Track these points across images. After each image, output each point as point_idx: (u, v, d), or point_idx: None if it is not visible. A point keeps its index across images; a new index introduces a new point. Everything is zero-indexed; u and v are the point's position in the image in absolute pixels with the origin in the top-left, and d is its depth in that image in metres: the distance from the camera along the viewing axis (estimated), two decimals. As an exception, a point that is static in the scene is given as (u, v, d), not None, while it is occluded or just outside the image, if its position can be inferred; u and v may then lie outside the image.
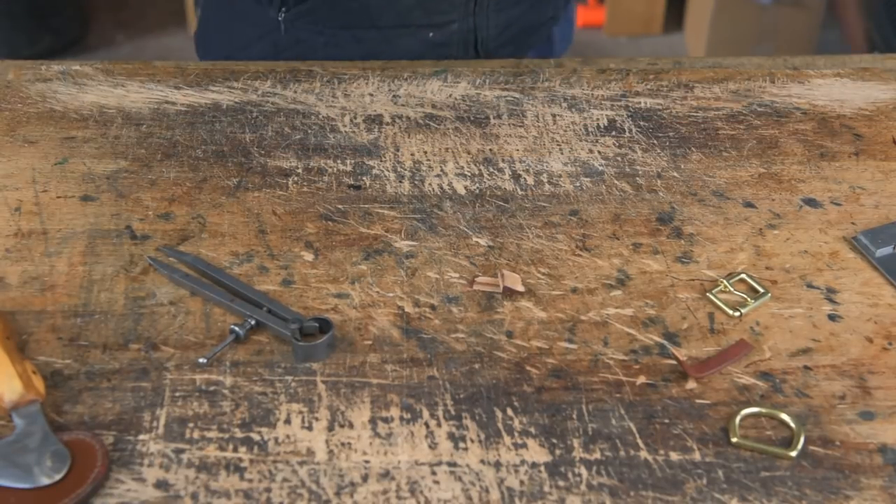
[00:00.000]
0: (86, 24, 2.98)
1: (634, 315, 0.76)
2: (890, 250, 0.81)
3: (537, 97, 1.00)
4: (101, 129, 0.94)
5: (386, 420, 0.67)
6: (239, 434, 0.66)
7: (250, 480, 0.63)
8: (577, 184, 0.88)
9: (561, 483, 0.63)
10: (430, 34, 1.09)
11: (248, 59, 1.07)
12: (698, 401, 0.69)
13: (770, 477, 0.64)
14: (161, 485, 0.63)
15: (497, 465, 0.65)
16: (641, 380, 0.70)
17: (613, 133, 0.95)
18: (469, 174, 0.89)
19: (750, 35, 2.73)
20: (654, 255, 0.81)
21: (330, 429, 0.67)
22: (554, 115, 0.97)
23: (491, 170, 0.90)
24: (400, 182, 0.88)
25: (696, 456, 0.65)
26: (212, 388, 0.69)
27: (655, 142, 0.94)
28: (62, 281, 0.77)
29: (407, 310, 0.76)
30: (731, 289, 0.77)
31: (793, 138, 0.95)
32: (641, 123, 0.96)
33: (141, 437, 0.66)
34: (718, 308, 0.76)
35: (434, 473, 0.64)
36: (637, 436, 0.67)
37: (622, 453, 0.65)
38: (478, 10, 1.10)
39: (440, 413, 0.68)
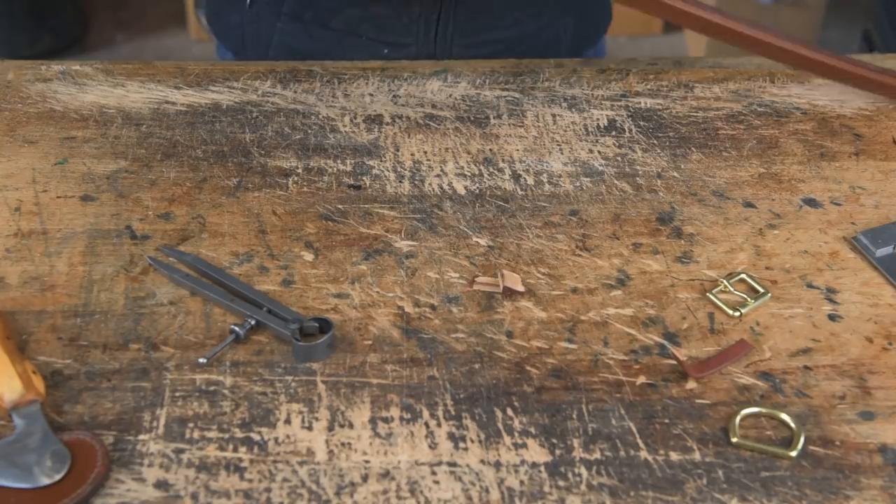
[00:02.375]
0: (86, 24, 2.98)
1: (634, 315, 0.76)
2: (890, 250, 0.81)
3: (537, 97, 1.00)
4: (101, 129, 0.94)
5: (386, 420, 0.67)
6: (239, 434, 0.66)
7: (250, 480, 0.63)
8: (577, 184, 0.88)
9: (561, 483, 0.63)
10: (385, 50, 1.09)
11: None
12: (698, 401, 0.69)
13: (770, 477, 0.64)
14: (161, 485, 0.63)
15: (497, 465, 0.65)
16: (641, 380, 0.70)
17: (613, 133, 0.95)
18: (469, 174, 0.89)
19: (750, 35, 2.73)
20: (654, 255, 0.81)
21: (330, 429, 0.67)
22: (554, 115, 0.97)
23: (491, 170, 0.90)
24: (400, 182, 0.88)
25: (696, 456, 0.65)
26: (212, 388, 0.69)
27: (655, 142, 0.94)
28: (62, 281, 0.77)
29: (407, 310, 0.76)
30: (731, 289, 0.77)
31: (793, 138, 0.95)
32: (641, 123, 0.96)
33: (141, 437, 0.66)
34: (718, 308, 0.76)
35: (434, 473, 0.64)
36: (637, 436, 0.67)
37: (622, 453, 0.65)
38: (439, 40, 1.09)
39: (440, 413, 0.68)
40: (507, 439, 0.66)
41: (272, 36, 1.11)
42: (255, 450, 0.65)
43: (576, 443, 0.66)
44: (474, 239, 0.82)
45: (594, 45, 1.23)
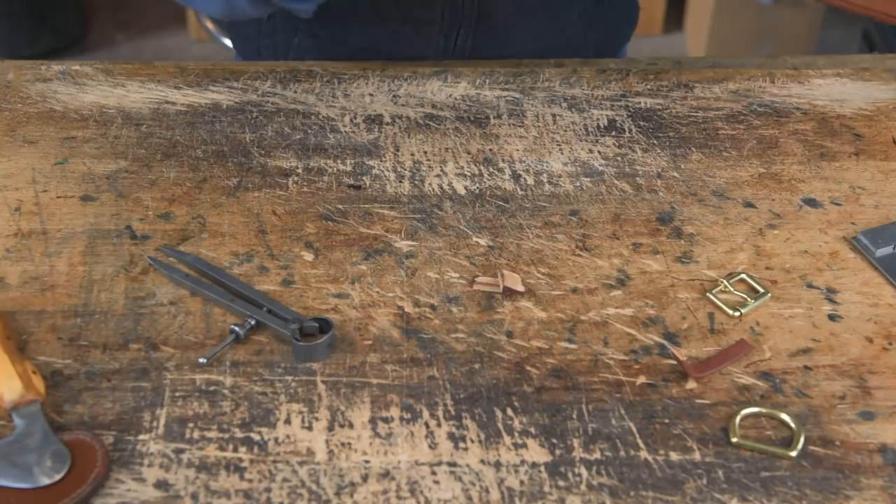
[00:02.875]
0: (86, 24, 2.98)
1: (634, 315, 0.76)
2: (890, 250, 0.81)
3: (537, 97, 1.00)
4: (101, 129, 0.94)
5: (386, 420, 0.67)
6: (239, 434, 0.66)
7: (250, 480, 0.63)
8: (577, 184, 0.88)
9: (561, 483, 0.63)
10: None
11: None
12: (698, 401, 0.69)
13: (770, 477, 0.64)
14: (161, 485, 0.63)
15: (497, 465, 0.65)
16: (641, 380, 0.70)
17: (613, 133, 0.95)
18: (469, 174, 0.89)
19: (750, 35, 2.73)
20: (654, 255, 0.81)
21: (330, 429, 0.67)
22: (554, 115, 0.97)
23: (491, 170, 0.90)
24: (400, 182, 0.88)
25: (696, 456, 0.65)
26: (212, 388, 0.69)
27: (655, 142, 0.94)
28: (62, 281, 0.77)
29: (407, 310, 0.76)
30: (731, 289, 0.77)
31: (793, 138, 0.95)
32: (641, 123, 0.96)
33: (141, 437, 0.66)
34: (718, 308, 0.76)
35: (434, 473, 0.64)
36: (637, 436, 0.67)
37: (622, 453, 0.65)
38: (457, 55, 1.09)
39: (440, 413, 0.68)
40: (507, 439, 0.66)
41: (287, 51, 1.11)
42: (255, 450, 0.65)
43: (576, 443, 0.66)
44: (474, 239, 0.82)
45: (616, 54, 1.21)
